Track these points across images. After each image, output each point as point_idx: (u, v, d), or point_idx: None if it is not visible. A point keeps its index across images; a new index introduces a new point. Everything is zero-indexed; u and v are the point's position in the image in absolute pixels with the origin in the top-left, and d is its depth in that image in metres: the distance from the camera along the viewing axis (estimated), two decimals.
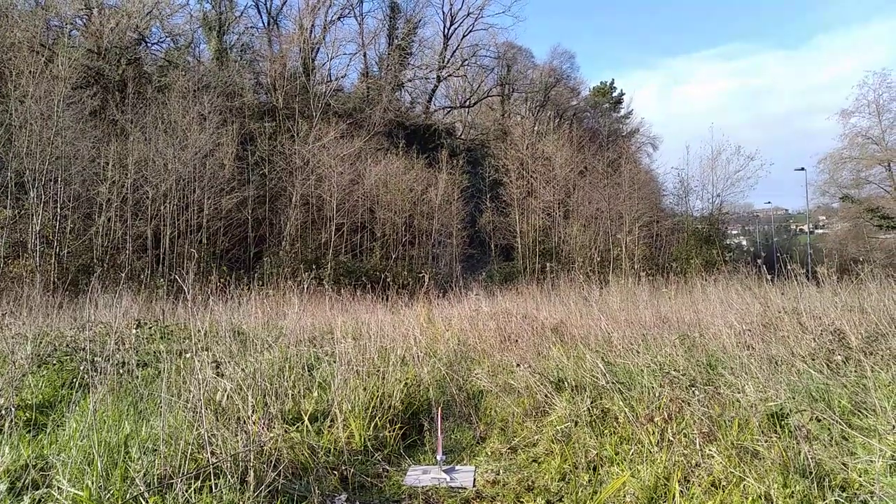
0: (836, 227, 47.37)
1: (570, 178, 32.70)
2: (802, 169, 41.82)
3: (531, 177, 32.66)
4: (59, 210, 18.82)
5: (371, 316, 11.15)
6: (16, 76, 20.16)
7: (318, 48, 39.57)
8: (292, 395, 5.99)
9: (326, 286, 12.89)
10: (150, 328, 7.68)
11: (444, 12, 46.33)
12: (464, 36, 46.79)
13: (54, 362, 6.88)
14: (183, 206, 21.53)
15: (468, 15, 46.18)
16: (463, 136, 46.70)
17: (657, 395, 5.61)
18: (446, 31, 46.60)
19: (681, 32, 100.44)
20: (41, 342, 7.55)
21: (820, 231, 57.28)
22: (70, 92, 20.91)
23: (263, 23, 41.32)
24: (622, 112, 59.00)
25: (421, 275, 16.88)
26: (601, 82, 58.72)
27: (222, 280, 10.67)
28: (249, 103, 30.62)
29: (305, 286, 10.15)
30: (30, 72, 20.28)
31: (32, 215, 18.22)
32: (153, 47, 34.96)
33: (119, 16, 31.22)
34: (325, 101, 33.37)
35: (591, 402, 5.80)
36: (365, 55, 43.30)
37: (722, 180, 34.72)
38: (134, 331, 7.18)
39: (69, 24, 31.05)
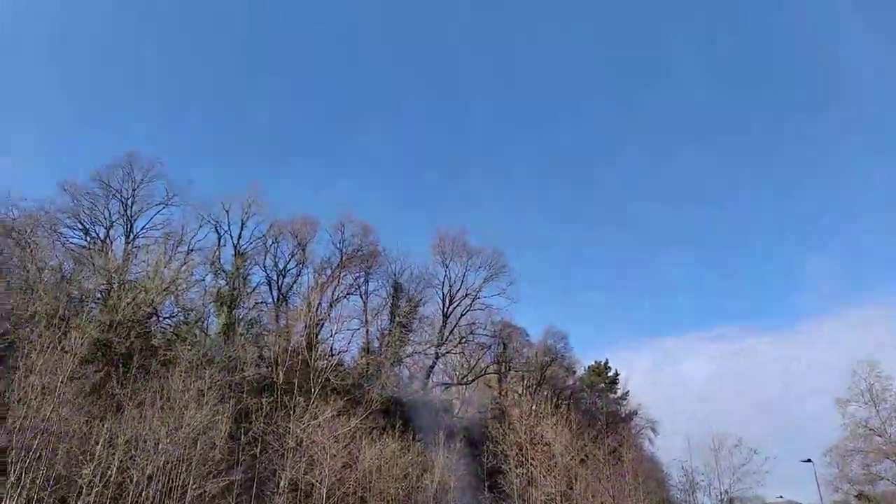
0: None
1: (570, 467, 31.46)
2: (809, 460, 40.68)
3: (531, 464, 31.46)
4: (35, 492, 17.67)
5: None
6: (28, 350, 20.46)
7: (323, 324, 41.14)
8: None
9: None
10: None
11: (443, 293, 49.24)
12: (462, 315, 49.13)
13: None
14: (166, 490, 20.32)
15: (466, 296, 49.12)
16: (460, 414, 46.22)
17: None
18: (445, 310, 49.01)
19: (670, 313, 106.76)
20: None
21: None
22: (76, 366, 21.06)
23: (273, 298, 43.64)
24: (618, 393, 59.10)
25: None
26: (595, 361, 59.74)
27: None
28: (250, 378, 30.68)
29: None
30: (42, 346, 20.64)
31: (4, 499, 17.05)
32: (164, 321, 36.23)
33: (137, 290, 32.83)
34: (324, 376, 33.61)
35: None
36: (367, 331, 44.90)
37: (728, 473, 33.57)
38: None
39: (89, 298, 32.46)
